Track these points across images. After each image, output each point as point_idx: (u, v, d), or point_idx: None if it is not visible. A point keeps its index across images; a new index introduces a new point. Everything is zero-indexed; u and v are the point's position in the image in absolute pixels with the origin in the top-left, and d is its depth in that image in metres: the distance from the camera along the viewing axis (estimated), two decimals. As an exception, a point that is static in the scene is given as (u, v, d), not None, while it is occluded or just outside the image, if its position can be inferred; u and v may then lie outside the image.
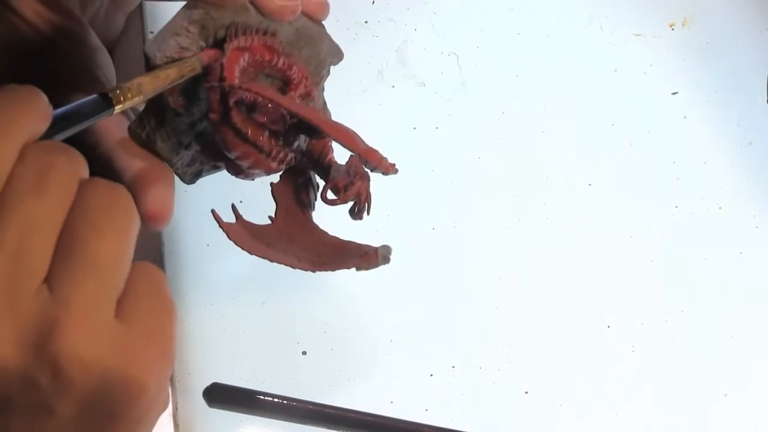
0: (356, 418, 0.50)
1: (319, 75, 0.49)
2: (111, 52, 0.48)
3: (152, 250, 0.55)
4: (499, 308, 0.56)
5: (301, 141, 0.46)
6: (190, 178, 0.46)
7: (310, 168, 0.47)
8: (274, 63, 0.44)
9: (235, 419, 0.50)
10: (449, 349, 0.54)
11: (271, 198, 0.48)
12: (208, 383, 0.49)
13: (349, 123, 0.61)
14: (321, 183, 0.48)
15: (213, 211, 0.46)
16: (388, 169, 0.46)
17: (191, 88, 0.43)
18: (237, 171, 0.45)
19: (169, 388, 0.33)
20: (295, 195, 0.49)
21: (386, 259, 0.49)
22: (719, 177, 0.61)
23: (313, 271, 0.48)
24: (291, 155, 0.44)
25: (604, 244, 0.58)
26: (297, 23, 0.45)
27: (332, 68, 0.49)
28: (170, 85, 0.40)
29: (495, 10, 0.67)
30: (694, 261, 0.58)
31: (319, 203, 0.48)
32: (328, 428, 0.50)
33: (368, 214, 0.47)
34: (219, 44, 0.43)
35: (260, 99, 0.43)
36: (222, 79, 0.41)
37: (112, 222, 0.31)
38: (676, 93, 0.64)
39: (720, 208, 0.60)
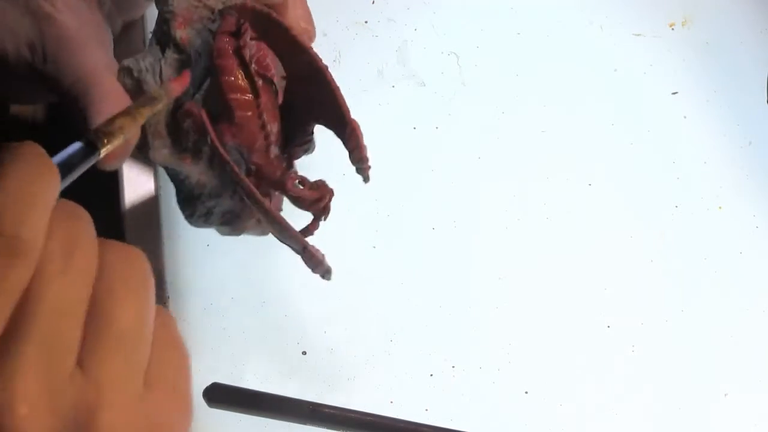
0: (356, 418, 0.50)
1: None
2: None
3: (152, 249, 0.55)
4: (499, 308, 0.56)
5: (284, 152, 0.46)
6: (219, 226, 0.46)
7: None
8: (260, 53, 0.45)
9: (235, 419, 0.50)
10: (449, 349, 0.54)
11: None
12: (208, 383, 0.49)
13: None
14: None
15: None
16: (365, 163, 0.46)
17: (201, 34, 0.43)
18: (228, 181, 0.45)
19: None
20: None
21: (323, 270, 0.46)
22: (719, 177, 0.61)
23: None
24: (274, 133, 0.45)
25: (604, 244, 0.58)
26: None
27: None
28: (148, 116, 0.40)
29: (495, 10, 0.67)
30: (694, 261, 0.58)
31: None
32: (328, 428, 0.50)
33: (324, 219, 0.47)
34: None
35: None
36: (240, 32, 0.42)
37: (134, 291, 0.31)
38: (676, 93, 0.64)
39: (720, 208, 0.60)
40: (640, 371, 0.54)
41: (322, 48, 0.64)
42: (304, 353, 0.53)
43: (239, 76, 0.43)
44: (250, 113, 0.43)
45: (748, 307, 0.57)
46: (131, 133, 0.39)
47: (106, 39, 0.46)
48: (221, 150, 0.43)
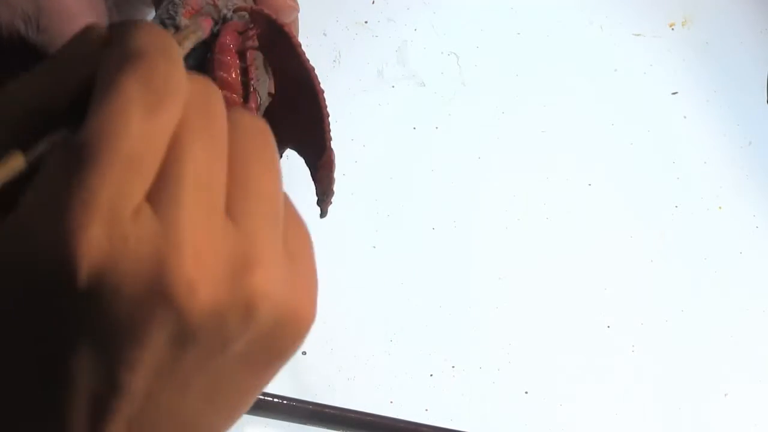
0: (356, 418, 0.50)
1: None
2: None
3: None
4: (499, 308, 0.56)
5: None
6: None
7: None
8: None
9: (235, 419, 0.50)
10: (449, 349, 0.54)
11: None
12: (208, 383, 0.49)
13: (349, 123, 0.61)
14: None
15: None
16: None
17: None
18: None
19: None
20: None
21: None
22: (719, 177, 0.61)
23: None
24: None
25: (604, 244, 0.58)
26: None
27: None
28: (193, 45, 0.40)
29: (495, 10, 0.67)
30: (694, 261, 0.58)
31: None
32: (328, 428, 0.50)
33: None
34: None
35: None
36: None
37: (267, 151, 0.30)
38: (676, 93, 0.64)
39: (720, 208, 0.60)
40: (640, 371, 0.54)
41: (322, 48, 0.64)
42: (304, 353, 0.53)
43: (235, 75, 0.43)
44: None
45: (748, 307, 0.57)
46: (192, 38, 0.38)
47: (102, 12, 0.46)
48: None
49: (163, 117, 0.27)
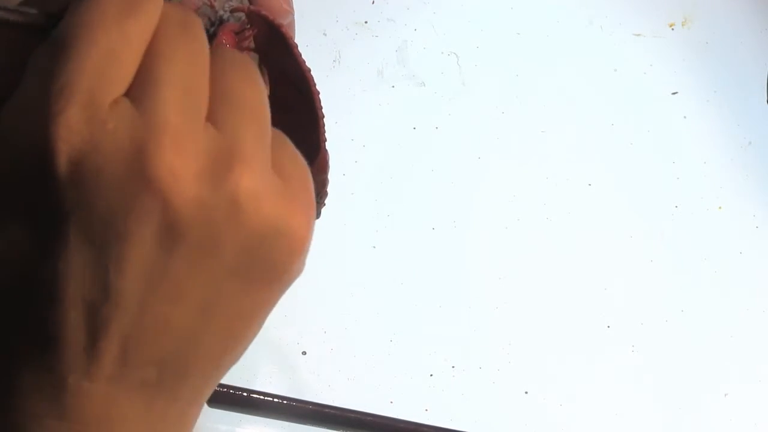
0: (356, 418, 0.50)
1: None
2: None
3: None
4: (499, 308, 0.56)
5: None
6: None
7: None
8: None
9: (235, 419, 0.50)
10: (449, 349, 0.54)
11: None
12: (208, 383, 0.49)
13: (349, 123, 0.61)
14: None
15: None
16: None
17: None
18: None
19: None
20: None
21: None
22: (719, 177, 0.61)
23: None
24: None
25: (604, 244, 0.58)
26: None
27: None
28: None
29: (495, 10, 0.67)
30: (694, 261, 0.58)
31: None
32: (328, 428, 0.50)
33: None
34: None
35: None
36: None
37: (253, 72, 0.30)
38: (676, 93, 0.64)
39: (720, 208, 0.60)
40: (640, 371, 0.54)
41: (322, 48, 0.64)
42: (304, 353, 0.53)
43: None
44: None
45: (748, 307, 0.57)
46: None
47: None
48: None
49: (140, 19, 0.28)
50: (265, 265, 0.30)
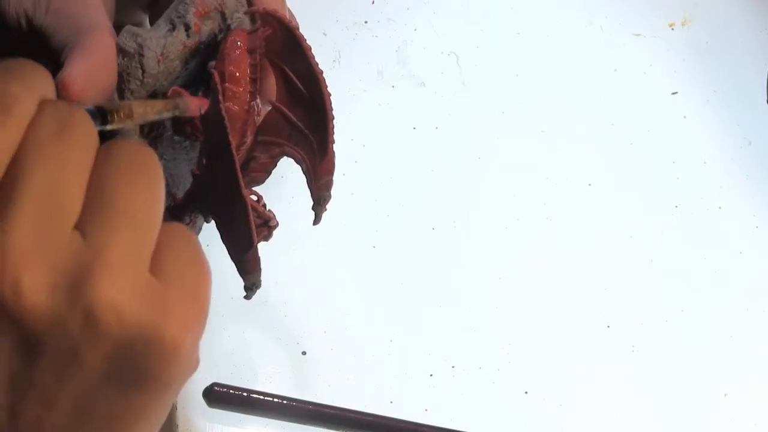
0: (356, 418, 0.50)
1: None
2: None
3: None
4: (499, 308, 0.56)
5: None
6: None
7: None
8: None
9: (235, 419, 0.50)
10: (449, 349, 0.54)
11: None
12: (208, 383, 0.49)
13: (349, 123, 0.61)
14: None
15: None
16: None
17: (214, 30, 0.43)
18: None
19: (199, 352, 0.32)
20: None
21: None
22: (719, 177, 0.61)
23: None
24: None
25: (604, 244, 0.58)
26: None
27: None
28: (153, 118, 0.40)
29: (495, 10, 0.67)
30: (694, 261, 0.58)
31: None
32: (328, 428, 0.50)
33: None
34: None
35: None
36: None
37: (141, 173, 0.30)
38: (676, 93, 0.64)
39: (720, 208, 0.60)
40: (640, 371, 0.54)
41: (322, 48, 0.64)
42: (304, 353, 0.53)
43: (243, 71, 0.43)
44: (237, 108, 0.43)
45: (748, 307, 0.57)
46: (138, 116, 0.38)
47: (111, 4, 0.46)
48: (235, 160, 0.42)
49: (6, 124, 0.28)
50: (136, 372, 0.30)
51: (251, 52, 0.43)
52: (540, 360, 0.54)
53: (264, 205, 0.44)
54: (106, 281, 0.28)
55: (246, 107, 0.43)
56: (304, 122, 0.45)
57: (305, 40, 0.44)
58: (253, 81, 0.43)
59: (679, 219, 0.60)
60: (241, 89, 0.43)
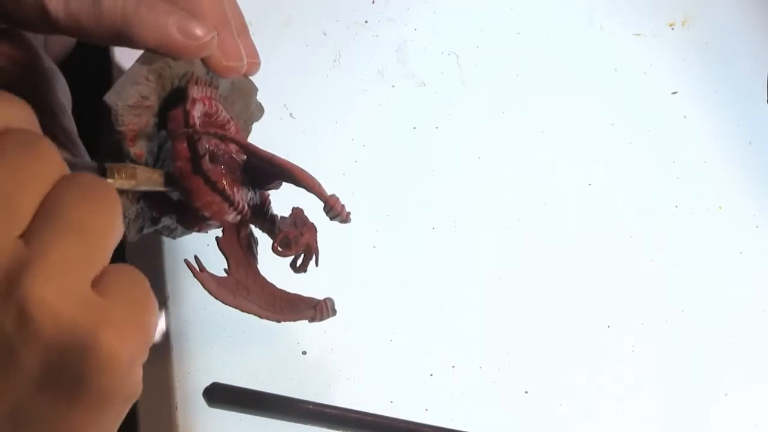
0: (356, 418, 0.50)
1: (247, 130, 0.48)
2: (64, 69, 0.47)
3: (152, 249, 0.55)
4: (499, 308, 0.56)
5: (255, 193, 0.46)
6: (134, 234, 0.45)
7: (252, 221, 0.46)
8: (216, 116, 0.44)
9: (235, 419, 0.50)
10: (449, 349, 0.54)
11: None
12: (208, 383, 0.49)
13: (349, 123, 0.61)
14: (260, 235, 0.47)
15: (186, 261, 0.46)
16: (346, 218, 0.45)
17: (152, 138, 0.43)
18: (190, 224, 0.44)
19: (141, 375, 0.31)
20: (240, 249, 0.48)
21: (334, 311, 0.49)
22: (719, 177, 0.61)
23: (278, 321, 0.48)
24: (247, 206, 0.44)
25: (604, 244, 0.58)
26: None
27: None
28: (151, 188, 0.41)
29: (495, 10, 0.67)
30: (694, 261, 0.58)
31: (265, 255, 0.48)
32: (328, 428, 0.50)
33: (316, 265, 0.47)
34: (175, 94, 0.42)
35: (224, 146, 0.42)
36: (188, 125, 0.41)
37: (95, 193, 0.30)
38: (676, 93, 0.64)
39: (720, 208, 0.60)
40: (640, 371, 0.54)
41: (322, 48, 0.64)
42: (304, 353, 0.53)
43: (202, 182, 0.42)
44: (215, 207, 0.43)
45: (748, 307, 0.57)
46: (142, 181, 0.39)
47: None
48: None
49: None
50: (72, 380, 0.29)
51: (202, 120, 0.43)
52: (540, 360, 0.54)
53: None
54: (40, 279, 0.28)
55: (221, 199, 0.43)
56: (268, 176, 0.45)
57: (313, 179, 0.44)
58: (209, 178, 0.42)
59: (679, 219, 0.60)
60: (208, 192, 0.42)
